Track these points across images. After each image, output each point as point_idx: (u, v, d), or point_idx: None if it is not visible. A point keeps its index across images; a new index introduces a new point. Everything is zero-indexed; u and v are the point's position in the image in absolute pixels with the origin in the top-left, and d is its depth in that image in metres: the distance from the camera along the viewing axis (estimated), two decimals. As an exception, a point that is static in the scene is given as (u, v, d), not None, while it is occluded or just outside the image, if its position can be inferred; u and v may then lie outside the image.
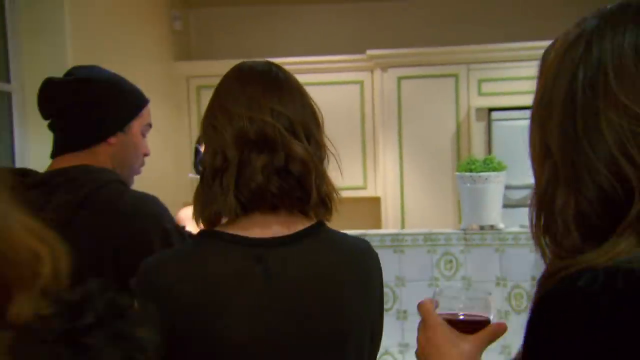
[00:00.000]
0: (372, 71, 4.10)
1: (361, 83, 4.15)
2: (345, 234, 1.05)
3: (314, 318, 0.93)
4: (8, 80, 2.86)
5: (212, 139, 0.98)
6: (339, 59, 4.13)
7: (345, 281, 0.97)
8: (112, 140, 1.41)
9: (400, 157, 4.04)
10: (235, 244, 0.95)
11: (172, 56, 4.15)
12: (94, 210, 1.26)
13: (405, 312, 2.32)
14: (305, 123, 0.98)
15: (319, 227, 1.01)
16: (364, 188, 4.18)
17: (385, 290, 2.17)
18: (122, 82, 1.48)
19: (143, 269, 0.98)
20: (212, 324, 0.91)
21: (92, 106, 1.39)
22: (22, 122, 2.86)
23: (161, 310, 0.78)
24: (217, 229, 0.98)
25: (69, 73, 1.47)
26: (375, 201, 4.24)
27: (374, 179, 4.17)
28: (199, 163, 1.00)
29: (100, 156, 1.40)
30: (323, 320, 0.93)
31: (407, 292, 2.30)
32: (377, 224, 4.17)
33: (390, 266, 2.28)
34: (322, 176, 0.99)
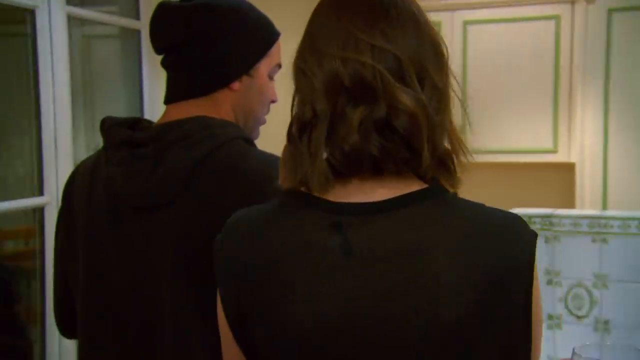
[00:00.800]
0: (573, 2, 3.54)
1: (557, 18, 3.59)
2: (480, 205, 0.85)
3: (400, 317, 0.78)
4: (137, 17, 2.71)
5: (300, 87, 0.86)
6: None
7: (457, 269, 0.78)
8: (236, 85, 1.20)
9: (605, 114, 3.46)
10: (315, 208, 0.83)
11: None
12: (212, 174, 1.09)
13: (606, 322, 1.83)
14: (420, 62, 0.83)
15: (433, 192, 0.83)
16: (553, 151, 3.65)
17: (579, 290, 1.83)
18: (248, 10, 1.24)
19: (225, 226, 0.90)
20: (275, 306, 0.82)
21: (211, 41, 1.18)
22: (151, 61, 2.72)
23: (228, 283, 0.85)
24: (306, 190, 0.85)
25: None
26: (567, 169, 3.70)
27: (568, 140, 3.61)
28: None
29: (221, 105, 1.21)
30: (410, 321, 0.77)
31: (610, 296, 1.82)
32: (569, 200, 3.64)
33: (586, 260, 1.83)
34: (439, 131, 0.83)
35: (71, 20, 2.52)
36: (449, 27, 3.72)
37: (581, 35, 3.49)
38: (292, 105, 0.87)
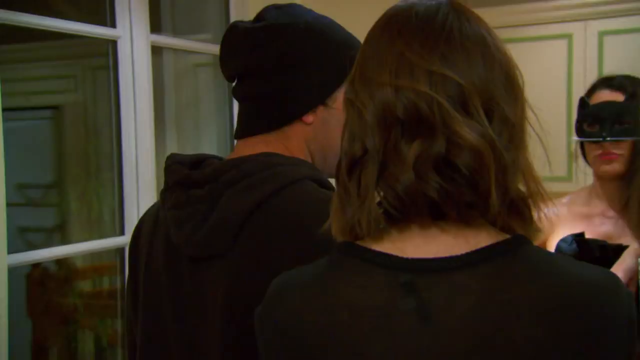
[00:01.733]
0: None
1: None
2: (568, 260, 0.78)
3: None
4: None
5: (350, 120, 0.80)
6: None
7: (541, 338, 0.70)
8: (310, 118, 1.10)
9: None
10: (378, 265, 0.76)
11: None
12: (268, 223, 0.98)
13: None
14: (487, 91, 0.76)
15: (514, 245, 0.76)
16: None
17: None
18: (327, 28, 1.11)
19: (267, 294, 0.83)
20: None
21: (280, 68, 1.08)
22: None
23: (280, 354, 0.78)
24: (360, 243, 0.79)
25: (259, 16, 1.12)
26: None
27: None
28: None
29: (293, 140, 1.10)
30: None
31: None
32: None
33: None
34: (511, 171, 0.76)
35: (163, 50, 2.49)
36: (581, 39, 3.38)
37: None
38: (342, 141, 0.81)
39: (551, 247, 1.81)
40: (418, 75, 0.75)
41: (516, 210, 0.77)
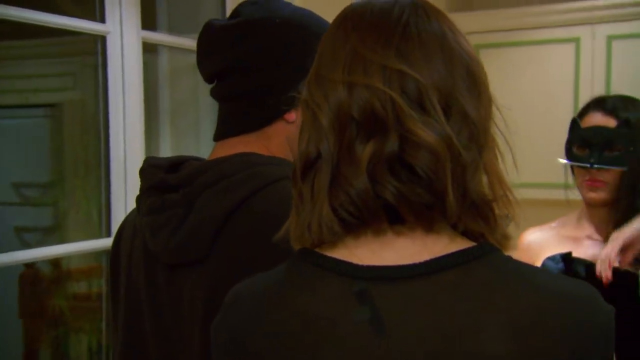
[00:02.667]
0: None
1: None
2: (542, 271, 0.75)
3: None
4: None
5: (305, 122, 0.78)
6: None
7: (516, 354, 0.66)
8: (292, 115, 1.08)
9: None
10: (331, 272, 0.74)
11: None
12: (247, 224, 0.95)
13: None
14: (446, 88, 0.73)
15: (479, 253, 0.73)
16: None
17: None
18: (309, 22, 1.09)
19: (223, 303, 0.81)
20: None
21: (257, 66, 1.06)
22: None
23: None
24: (318, 249, 0.76)
25: (235, 12, 1.10)
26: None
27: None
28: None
29: (274, 139, 1.08)
30: None
31: None
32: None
33: None
34: (470, 171, 0.73)
35: (159, 48, 2.46)
36: (589, 43, 3.32)
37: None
38: (298, 143, 0.78)
39: None
40: (372, 71, 0.73)
41: (479, 213, 0.74)
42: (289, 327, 0.73)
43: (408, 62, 0.73)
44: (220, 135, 1.09)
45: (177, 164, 1.07)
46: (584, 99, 3.27)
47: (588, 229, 1.81)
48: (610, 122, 1.68)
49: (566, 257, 1.73)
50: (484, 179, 0.75)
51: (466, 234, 0.75)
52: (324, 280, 0.74)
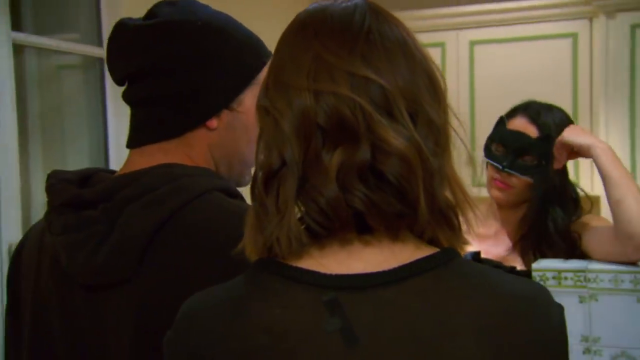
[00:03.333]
0: (591, 19, 3.40)
1: (574, 36, 3.44)
2: (496, 272, 0.77)
3: None
4: (100, 44, 2.49)
5: (265, 129, 0.76)
6: (544, 4, 3.43)
7: (481, 356, 0.69)
8: (214, 123, 1.03)
9: (632, 139, 3.27)
10: (299, 283, 0.73)
11: None
12: (176, 241, 0.91)
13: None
14: (411, 94, 0.74)
15: (445, 259, 0.74)
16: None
17: None
18: (229, 26, 1.05)
19: (177, 317, 0.77)
20: None
21: (179, 69, 1.01)
22: (116, 91, 2.44)
23: None
24: (280, 260, 0.74)
25: (151, 13, 1.04)
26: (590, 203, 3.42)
27: (591, 169, 3.32)
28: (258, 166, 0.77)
29: (195, 148, 1.04)
30: None
31: None
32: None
33: (631, 323, 1.60)
34: (438, 178, 0.74)
35: (24, 49, 2.32)
36: (453, 48, 3.55)
37: (601, 53, 3.33)
38: (257, 153, 0.76)
39: None
40: (338, 78, 0.72)
41: (445, 220, 0.76)
42: (256, 342, 0.71)
43: (374, 69, 0.73)
44: (136, 142, 1.04)
45: (86, 177, 1.02)
46: (451, 100, 3.51)
47: (494, 226, 1.91)
48: (533, 132, 1.77)
49: (475, 257, 1.78)
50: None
51: (430, 241, 0.76)
52: (291, 291, 0.73)
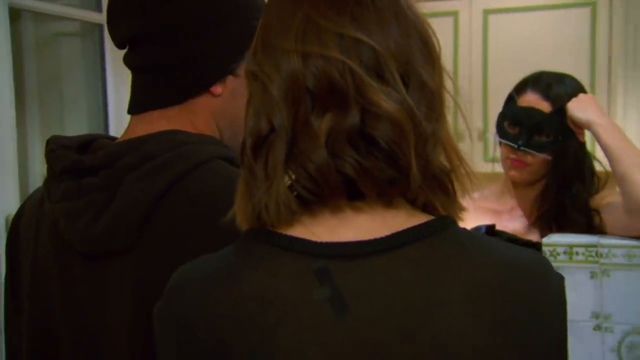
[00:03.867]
0: None
1: (593, 4, 3.40)
2: (496, 242, 0.77)
3: None
4: (99, 9, 2.50)
5: (253, 94, 0.76)
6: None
7: (482, 326, 0.70)
8: (218, 89, 1.03)
9: None
10: (288, 251, 0.73)
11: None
12: (179, 209, 0.92)
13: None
14: (404, 56, 0.74)
15: (440, 227, 0.74)
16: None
17: (636, 339, 1.61)
18: None
19: (167, 287, 0.78)
20: None
21: (183, 33, 1.01)
22: (116, 58, 2.51)
23: (181, 352, 0.74)
24: (272, 228, 0.75)
25: None
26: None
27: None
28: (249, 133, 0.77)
29: (199, 115, 1.04)
30: None
31: None
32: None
33: (628, 303, 1.62)
34: (432, 142, 0.74)
35: (21, 14, 2.32)
36: (466, 17, 3.52)
37: (621, 23, 3.29)
38: (246, 119, 0.77)
39: None
40: (327, 40, 0.72)
41: (439, 186, 0.76)
42: (244, 310, 0.72)
43: (364, 30, 0.73)
44: (137, 108, 1.03)
45: (86, 143, 1.02)
46: (463, 72, 3.51)
47: (510, 202, 1.90)
48: (545, 107, 1.74)
49: (490, 230, 1.79)
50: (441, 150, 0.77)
51: (425, 208, 0.76)
52: (281, 259, 0.74)
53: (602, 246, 1.62)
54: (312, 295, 0.71)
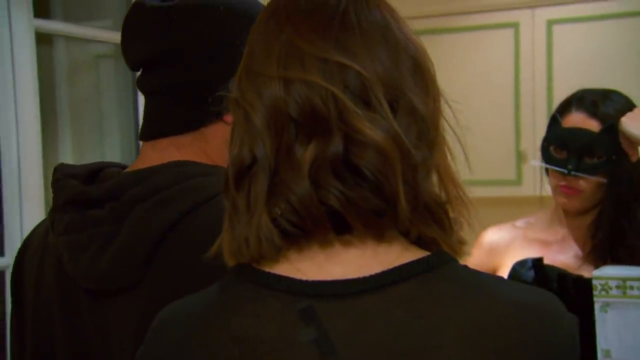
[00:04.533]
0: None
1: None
2: (501, 280, 0.77)
3: None
4: None
5: (236, 123, 0.77)
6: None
7: None
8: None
9: None
10: (273, 290, 0.73)
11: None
12: (186, 246, 0.92)
13: None
14: (392, 81, 0.74)
15: (435, 263, 0.73)
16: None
17: None
18: (253, 10, 1.04)
19: (150, 328, 0.79)
20: None
21: (201, 55, 1.02)
22: None
23: None
24: (257, 265, 0.75)
25: None
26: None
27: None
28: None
29: (212, 143, 1.04)
30: None
31: None
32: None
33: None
34: (422, 171, 0.74)
35: (54, 39, 2.38)
36: (528, 28, 3.43)
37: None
38: (230, 148, 0.78)
39: (504, 273, 1.78)
40: (309, 65, 0.72)
41: (433, 218, 0.75)
42: (225, 354, 0.72)
43: (349, 54, 0.73)
44: (148, 135, 1.04)
45: (95, 172, 1.02)
46: (526, 87, 3.42)
47: (560, 232, 1.82)
48: (594, 126, 1.67)
49: (537, 264, 1.72)
50: (435, 179, 0.76)
51: (419, 241, 0.75)
52: (264, 299, 0.73)
53: (661, 279, 1.52)
54: (297, 337, 0.70)
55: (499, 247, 1.86)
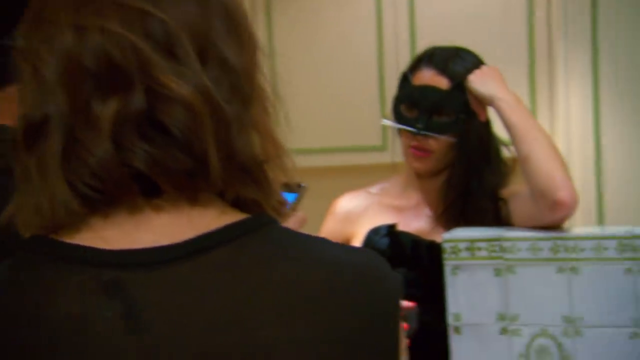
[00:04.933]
0: None
1: None
2: (322, 241, 0.78)
3: None
4: None
5: (24, 78, 0.74)
6: None
7: (298, 337, 0.70)
8: None
9: (595, 82, 3.27)
10: (73, 262, 0.72)
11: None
12: None
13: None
14: (201, 32, 0.74)
15: (253, 226, 0.75)
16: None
17: (545, 341, 1.61)
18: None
19: None
20: None
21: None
22: None
23: None
24: (54, 235, 0.73)
25: None
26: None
27: (550, 125, 3.35)
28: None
29: (14, 105, 0.99)
30: None
31: (586, 348, 1.59)
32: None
33: (552, 298, 1.61)
34: (236, 127, 0.74)
35: None
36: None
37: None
38: (18, 106, 0.76)
39: (358, 241, 1.82)
40: (107, 11, 0.71)
41: (250, 177, 0.76)
42: (17, 334, 0.70)
43: (152, 1, 0.72)
44: None
45: None
46: (390, 50, 3.44)
47: (414, 198, 1.85)
48: (443, 83, 1.70)
49: (391, 231, 1.75)
50: (255, 138, 0.77)
51: (240, 204, 0.76)
52: (64, 273, 0.72)
53: (505, 239, 1.62)
54: (101, 312, 0.69)
55: (353, 214, 1.90)
